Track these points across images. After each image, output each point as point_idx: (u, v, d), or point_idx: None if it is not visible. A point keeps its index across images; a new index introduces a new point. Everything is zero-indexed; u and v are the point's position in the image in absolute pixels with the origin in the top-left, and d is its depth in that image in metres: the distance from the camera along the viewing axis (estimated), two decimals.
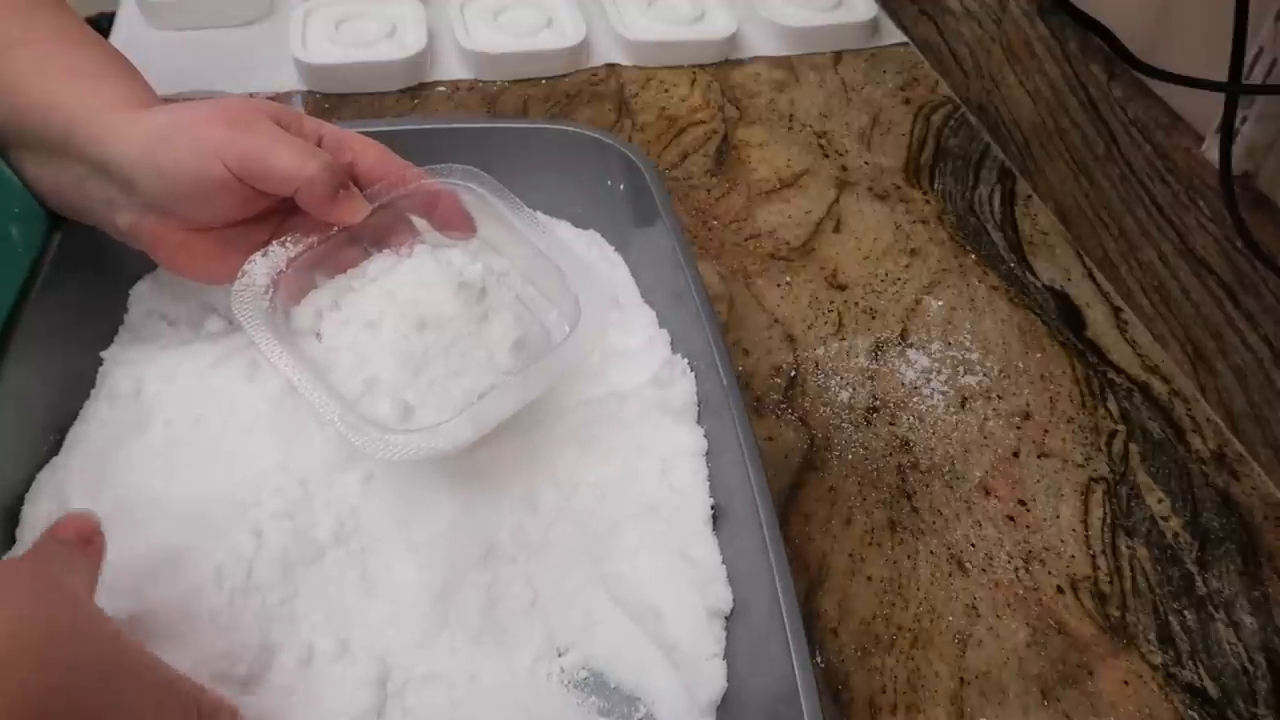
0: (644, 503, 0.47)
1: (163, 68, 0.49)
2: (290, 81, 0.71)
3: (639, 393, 0.50)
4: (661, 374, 0.50)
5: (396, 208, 0.48)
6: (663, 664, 0.43)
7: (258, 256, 0.45)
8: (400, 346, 0.44)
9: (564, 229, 0.60)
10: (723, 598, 0.43)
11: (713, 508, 0.46)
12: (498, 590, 0.44)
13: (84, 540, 0.36)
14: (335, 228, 0.46)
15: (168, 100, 0.46)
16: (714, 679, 0.41)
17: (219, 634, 0.39)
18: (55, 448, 0.45)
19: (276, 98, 0.70)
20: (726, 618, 0.43)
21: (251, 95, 0.69)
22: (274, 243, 0.45)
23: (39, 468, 0.44)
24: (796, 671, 0.38)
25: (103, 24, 0.76)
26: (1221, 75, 0.54)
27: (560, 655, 0.44)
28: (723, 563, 0.44)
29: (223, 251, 0.45)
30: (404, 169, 0.48)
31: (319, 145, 0.45)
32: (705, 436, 0.48)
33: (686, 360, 0.50)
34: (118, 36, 0.74)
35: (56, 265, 0.47)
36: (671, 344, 0.52)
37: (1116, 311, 0.63)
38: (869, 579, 0.48)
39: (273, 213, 0.46)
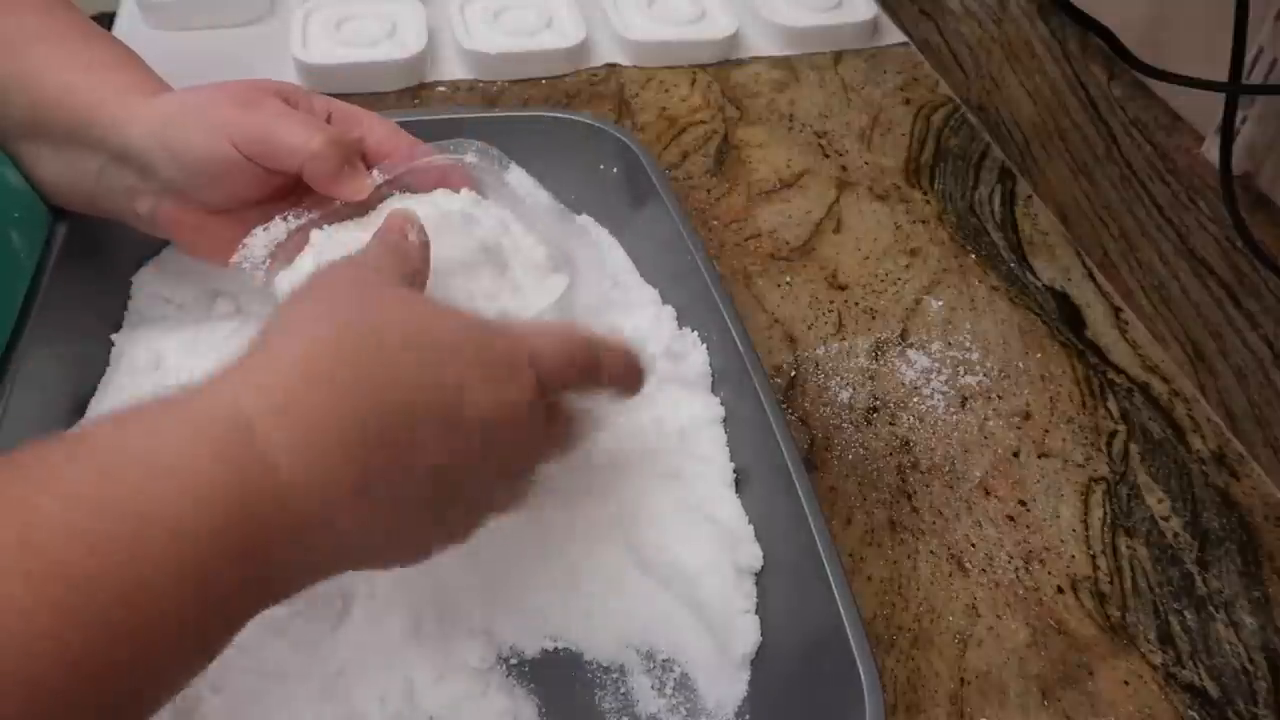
0: (665, 472, 0.47)
1: (163, 68, 0.49)
2: (290, 81, 0.71)
3: (651, 367, 0.50)
4: (674, 347, 0.51)
5: (404, 183, 0.48)
6: (694, 624, 0.43)
7: (258, 230, 0.45)
8: None
9: None
10: (752, 554, 0.44)
11: (735, 472, 0.47)
12: (522, 565, 0.44)
13: (410, 227, 0.38)
14: (339, 202, 0.46)
15: None
16: (747, 634, 0.42)
17: None
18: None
19: None
20: (757, 575, 0.44)
21: None
22: (276, 217, 0.46)
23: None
24: (841, 611, 0.38)
25: (103, 24, 0.76)
26: (1221, 75, 0.54)
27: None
28: (750, 523, 0.45)
29: (242, 233, 0.45)
30: (413, 145, 0.48)
31: (328, 121, 0.46)
32: (721, 404, 0.49)
33: (696, 333, 0.51)
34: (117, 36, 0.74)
35: (61, 261, 0.47)
36: (678, 319, 0.53)
37: (1116, 311, 0.63)
38: (869, 579, 0.48)
39: (290, 191, 0.46)
